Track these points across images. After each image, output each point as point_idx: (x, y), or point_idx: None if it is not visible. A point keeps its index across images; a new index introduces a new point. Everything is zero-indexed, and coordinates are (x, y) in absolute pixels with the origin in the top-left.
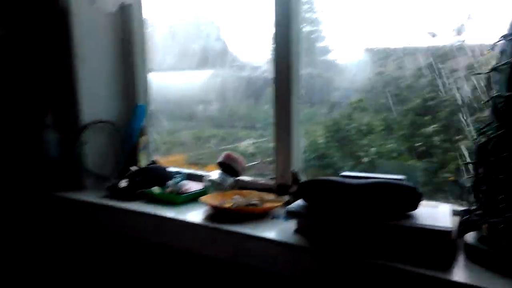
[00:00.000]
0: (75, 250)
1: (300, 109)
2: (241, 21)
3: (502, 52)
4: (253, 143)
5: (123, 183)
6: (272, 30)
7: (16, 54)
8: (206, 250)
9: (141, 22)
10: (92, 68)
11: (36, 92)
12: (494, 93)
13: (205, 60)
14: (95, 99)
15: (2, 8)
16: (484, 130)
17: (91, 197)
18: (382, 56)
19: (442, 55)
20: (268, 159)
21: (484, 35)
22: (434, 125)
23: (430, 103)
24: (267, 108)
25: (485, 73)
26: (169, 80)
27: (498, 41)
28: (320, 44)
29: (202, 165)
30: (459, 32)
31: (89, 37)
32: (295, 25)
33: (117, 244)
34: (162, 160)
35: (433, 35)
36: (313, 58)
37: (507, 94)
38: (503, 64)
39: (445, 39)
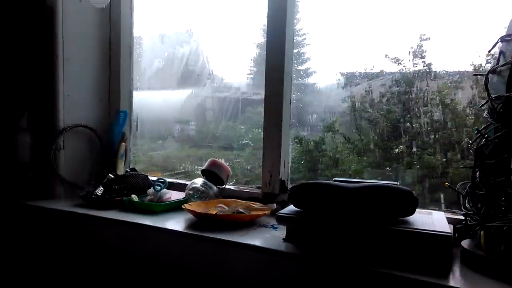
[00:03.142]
0: (45, 261)
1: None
2: (223, 42)
3: (501, 53)
4: (229, 164)
5: (99, 191)
6: (264, 47)
7: None
8: (186, 260)
9: (130, 24)
10: (75, 69)
11: (13, 91)
12: (492, 95)
13: (185, 79)
14: (75, 102)
15: None
16: (481, 132)
17: (62, 205)
18: (358, 80)
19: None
20: (244, 179)
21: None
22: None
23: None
24: (243, 129)
25: (484, 75)
26: (148, 99)
27: (496, 43)
28: (300, 67)
29: None
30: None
31: (75, 37)
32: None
33: (90, 254)
34: None
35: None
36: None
37: (507, 94)
38: (502, 65)
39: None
